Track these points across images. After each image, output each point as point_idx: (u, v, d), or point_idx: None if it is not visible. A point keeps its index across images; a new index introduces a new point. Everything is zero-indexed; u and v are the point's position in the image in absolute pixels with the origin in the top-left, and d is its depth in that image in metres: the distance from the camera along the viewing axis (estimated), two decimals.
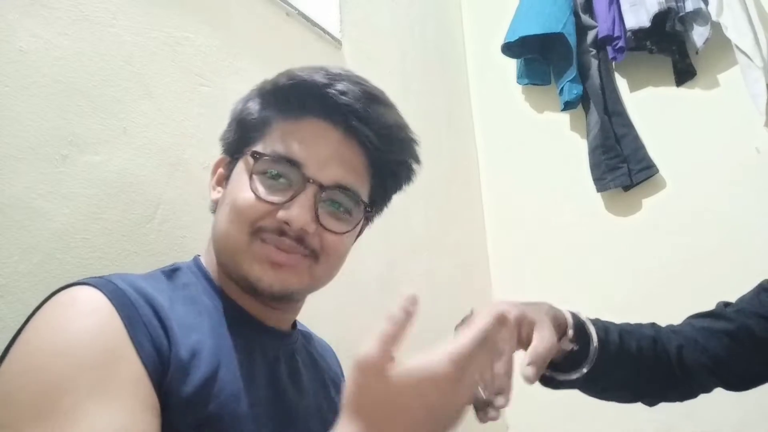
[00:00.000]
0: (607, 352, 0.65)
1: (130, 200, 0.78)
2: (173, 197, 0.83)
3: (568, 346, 0.63)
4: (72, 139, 0.73)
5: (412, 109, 1.59)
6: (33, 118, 0.69)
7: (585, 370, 0.64)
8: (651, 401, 0.72)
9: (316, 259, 0.61)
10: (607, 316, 1.66)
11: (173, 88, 0.88)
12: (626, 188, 1.62)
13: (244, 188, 0.60)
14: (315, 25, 1.23)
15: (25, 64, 0.69)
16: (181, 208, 0.84)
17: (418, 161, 0.68)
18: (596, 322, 0.68)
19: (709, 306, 0.80)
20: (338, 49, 1.31)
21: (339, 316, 1.08)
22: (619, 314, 1.53)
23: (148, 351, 0.50)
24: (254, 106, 0.65)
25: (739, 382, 0.71)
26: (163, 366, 0.51)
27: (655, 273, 1.55)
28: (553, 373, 0.65)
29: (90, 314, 0.50)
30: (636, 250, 1.60)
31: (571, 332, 0.64)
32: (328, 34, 1.27)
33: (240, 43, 1.03)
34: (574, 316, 0.66)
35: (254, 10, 1.09)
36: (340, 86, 0.61)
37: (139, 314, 0.52)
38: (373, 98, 0.62)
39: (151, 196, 0.81)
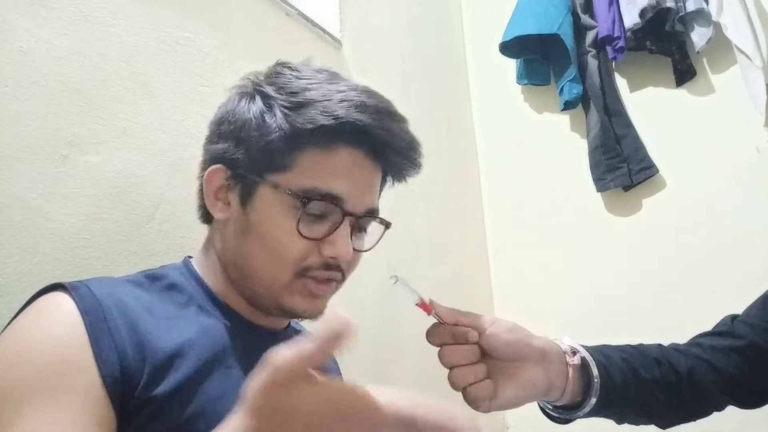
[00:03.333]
0: (612, 382, 0.64)
1: (130, 200, 0.78)
2: (173, 197, 0.83)
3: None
4: (72, 139, 0.73)
5: (412, 109, 1.58)
6: (33, 118, 0.69)
7: (593, 402, 0.62)
8: (664, 423, 0.71)
9: (344, 279, 0.64)
10: (607, 316, 1.67)
11: (173, 88, 0.88)
12: (626, 188, 1.63)
13: (285, 228, 0.59)
14: (315, 25, 1.23)
15: (25, 64, 0.69)
16: (181, 208, 0.84)
17: (420, 167, 0.69)
18: (596, 350, 0.66)
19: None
20: (338, 49, 1.31)
21: None
22: (619, 314, 1.54)
23: (110, 361, 0.50)
24: (275, 128, 0.59)
25: (753, 400, 0.71)
26: (129, 375, 0.50)
27: (655, 273, 1.55)
28: (565, 413, 0.65)
29: (53, 324, 0.51)
30: (636, 250, 1.60)
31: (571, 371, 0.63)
32: (328, 34, 1.27)
33: (240, 43, 1.03)
34: (574, 350, 0.65)
35: (254, 10, 1.09)
36: (383, 124, 0.60)
37: (107, 322, 0.52)
38: (411, 142, 0.63)
39: (151, 196, 0.81)
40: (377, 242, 0.68)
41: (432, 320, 0.60)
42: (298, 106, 0.59)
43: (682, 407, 0.68)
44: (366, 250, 0.66)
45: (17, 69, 0.68)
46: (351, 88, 0.61)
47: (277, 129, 0.59)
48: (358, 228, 0.64)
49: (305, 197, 0.58)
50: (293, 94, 0.60)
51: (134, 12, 0.84)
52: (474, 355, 0.58)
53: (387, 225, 0.68)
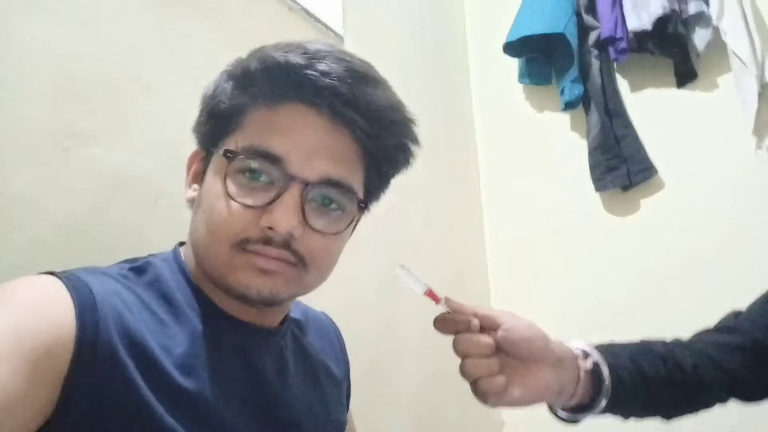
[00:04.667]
0: (621, 382, 0.64)
1: (130, 194, 0.78)
2: (173, 191, 0.83)
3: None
4: (73, 134, 0.73)
5: (412, 108, 1.59)
6: (33, 119, 0.69)
7: (603, 404, 0.63)
8: (668, 415, 0.72)
9: (306, 267, 0.55)
10: (606, 316, 1.67)
11: (173, 84, 0.88)
12: (625, 188, 1.63)
13: (220, 195, 0.53)
14: (317, 20, 1.23)
15: (25, 64, 0.69)
16: (181, 203, 0.84)
17: (416, 142, 0.61)
18: (604, 350, 0.66)
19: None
20: (341, 44, 1.31)
21: (338, 316, 1.08)
22: (618, 314, 1.55)
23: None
24: (225, 93, 0.56)
25: (756, 395, 0.71)
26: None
27: (654, 273, 1.55)
28: (573, 414, 0.65)
29: (47, 291, 0.47)
30: (634, 250, 1.60)
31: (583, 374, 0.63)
32: (330, 29, 1.27)
33: (241, 39, 1.02)
34: (586, 353, 0.65)
35: (256, 4, 1.09)
36: (321, 66, 0.53)
37: (98, 311, 0.48)
38: (360, 77, 0.55)
39: (151, 191, 0.81)
40: (350, 222, 0.58)
41: (437, 312, 0.60)
42: (241, 62, 0.57)
43: (687, 402, 0.70)
44: (333, 233, 0.56)
45: (17, 70, 0.68)
46: (314, 41, 0.54)
47: (224, 91, 0.57)
48: (322, 201, 0.55)
49: (229, 153, 0.53)
50: (246, 57, 0.57)
51: (134, 12, 0.84)
52: (489, 348, 0.57)
53: (362, 205, 0.59)
